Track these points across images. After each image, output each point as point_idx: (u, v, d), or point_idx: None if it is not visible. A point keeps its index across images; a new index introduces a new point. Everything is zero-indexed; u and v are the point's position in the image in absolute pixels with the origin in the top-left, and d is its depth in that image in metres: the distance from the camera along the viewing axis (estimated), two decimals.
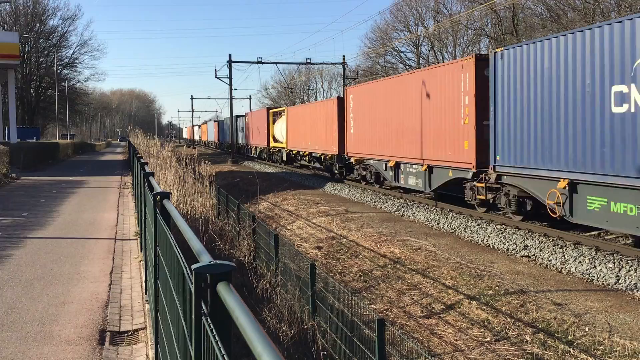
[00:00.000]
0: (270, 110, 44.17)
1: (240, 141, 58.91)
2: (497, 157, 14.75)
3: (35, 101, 75.26)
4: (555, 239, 13.05)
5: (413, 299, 9.96)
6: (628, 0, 37.75)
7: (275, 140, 41.98)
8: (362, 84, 27.36)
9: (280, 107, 57.93)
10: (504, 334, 8.15)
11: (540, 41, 13.13)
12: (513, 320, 8.55)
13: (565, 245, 12.34)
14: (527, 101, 13.70)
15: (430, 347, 7.95)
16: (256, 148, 49.76)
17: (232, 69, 49.78)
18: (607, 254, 11.42)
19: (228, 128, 64.11)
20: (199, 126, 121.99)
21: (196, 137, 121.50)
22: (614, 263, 10.85)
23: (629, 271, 10.36)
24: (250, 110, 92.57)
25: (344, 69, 53.48)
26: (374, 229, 15.66)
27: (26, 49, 70.83)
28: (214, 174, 27.41)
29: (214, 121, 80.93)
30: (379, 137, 22.65)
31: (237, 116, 60.01)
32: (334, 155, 27.93)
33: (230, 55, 49.37)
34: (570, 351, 7.45)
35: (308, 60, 53.05)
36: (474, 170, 15.76)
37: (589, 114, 11.79)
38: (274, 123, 42.53)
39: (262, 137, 46.15)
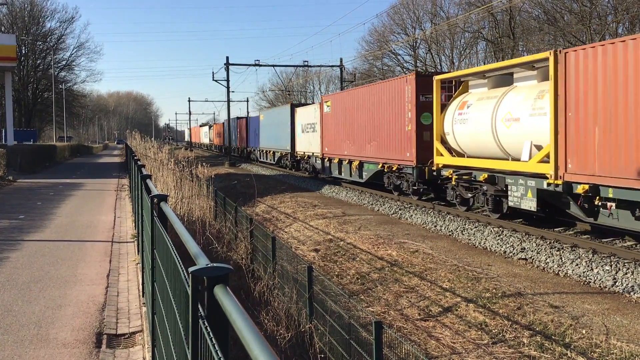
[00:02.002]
0: (437, 78, 18.50)
1: (298, 148, 34.67)
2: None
3: (32, 103, 75.18)
4: (552, 241, 13.06)
5: (410, 301, 9.95)
6: (625, 4, 37.85)
7: (458, 154, 17.82)
8: None
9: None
10: (501, 337, 8.15)
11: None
12: (510, 322, 8.55)
13: (562, 248, 12.36)
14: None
15: (428, 350, 7.95)
16: (358, 167, 24.33)
17: (229, 72, 49.75)
18: (604, 257, 11.44)
19: (268, 127, 41.85)
20: (210, 126, 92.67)
21: (205, 141, 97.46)
22: (611, 266, 10.86)
23: (626, 274, 10.37)
24: (248, 112, 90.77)
25: (342, 72, 53.50)
26: (371, 231, 15.66)
27: (23, 51, 70.80)
28: (212, 176, 27.41)
29: (238, 118, 59.60)
30: None
31: (294, 105, 36.47)
32: None
33: (227, 58, 49.36)
34: (567, 354, 7.45)
35: (305, 63, 53.01)
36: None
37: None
38: (441, 111, 18.28)
39: (393, 144, 20.80)
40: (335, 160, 27.22)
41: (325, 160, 28.89)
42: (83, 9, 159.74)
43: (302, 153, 33.61)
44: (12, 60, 40.34)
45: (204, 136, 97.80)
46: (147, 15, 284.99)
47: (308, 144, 32.28)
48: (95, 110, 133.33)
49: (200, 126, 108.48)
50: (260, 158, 45.97)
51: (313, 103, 36.29)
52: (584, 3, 41.32)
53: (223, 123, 70.07)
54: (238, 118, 59.79)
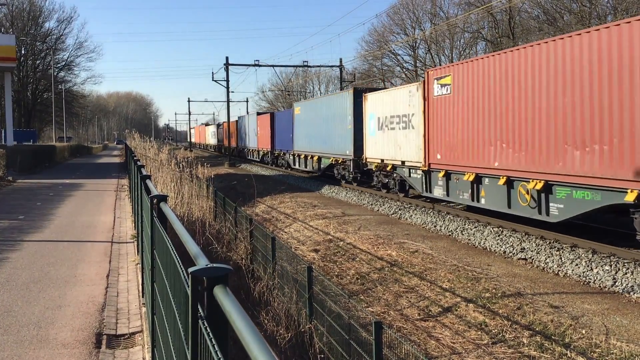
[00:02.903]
0: None
1: (369, 153, 23.46)
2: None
3: (32, 104, 75.20)
4: (552, 241, 13.06)
5: (410, 301, 9.95)
6: (624, 4, 37.90)
7: None
8: None
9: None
10: (501, 337, 8.15)
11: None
12: (510, 322, 8.55)
13: (562, 248, 12.36)
14: None
15: (428, 350, 7.95)
16: (538, 195, 13.43)
17: (229, 72, 49.75)
18: (603, 257, 11.44)
19: (310, 123, 31.19)
20: (219, 125, 74.23)
21: (211, 142, 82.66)
22: (611, 266, 10.86)
23: (626, 274, 10.37)
24: (247, 112, 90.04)
25: (341, 72, 53.51)
26: (371, 231, 15.65)
27: (22, 52, 70.81)
28: (212, 176, 27.41)
29: (259, 114, 47.70)
30: None
31: (361, 90, 25.25)
32: None
33: (227, 58, 49.35)
34: (567, 354, 7.45)
35: (305, 63, 53.04)
36: None
37: None
38: None
39: None
40: (467, 177, 16.05)
41: (438, 175, 17.73)
42: (82, 9, 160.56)
43: (379, 161, 22.28)
44: (11, 61, 40.34)
45: (211, 136, 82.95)
46: (146, 15, 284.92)
47: (393, 147, 21.05)
48: (95, 110, 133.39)
49: (206, 125, 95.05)
50: (295, 165, 34.90)
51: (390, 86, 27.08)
52: (583, 3, 41.35)
53: (237, 121, 58.33)
54: (259, 113, 47.39)
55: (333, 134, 27.44)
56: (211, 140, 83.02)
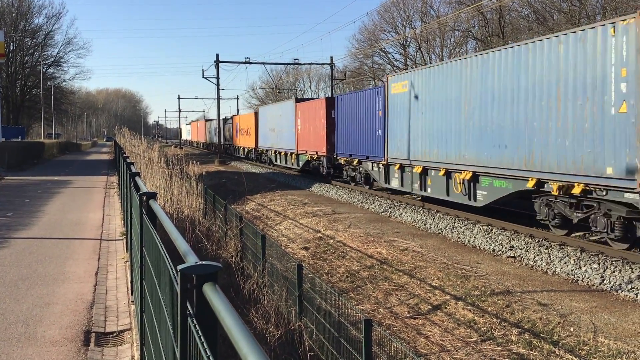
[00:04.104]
0: None
1: None
2: None
3: (21, 100, 74.65)
4: (540, 239, 13.13)
5: (400, 299, 9.97)
6: (613, 3, 38.14)
7: None
8: None
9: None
10: (490, 334, 8.18)
11: None
12: (499, 320, 8.59)
13: (551, 246, 12.42)
14: None
15: (417, 348, 7.97)
16: None
17: (219, 69, 49.58)
18: (592, 255, 11.51)
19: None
20: (226, 120, 57.89)
21: (214, 140, 65.30)
22: (599, 264, 10.94)
23: (614, 272, 10.45)
24: (238, 110, 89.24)
25: (332, 70, 53.50)
26: (361, 229, 15.67)
27: (11, 48, 70.27)
28: (202, 173, 27.32)
29: (298, 101, 33.46)
30: None
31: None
32: None
33: (217, 55, 49.18)
34: (555, 351, 7.50)
35: (296, 61, 53.02)
36: None
37: None
38: None
39: None
40: None
41: None
42: (71, 5, 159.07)
43: None
44: (0, 57, 40.07)
45: (213, 134, 66.86)
46: (136, 12, 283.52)
47: None
48: (84, 107, 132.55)
49: (207, 120, 79.20)
50: (391, 182, 21.18)
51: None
52: (572, 2, 41.55)
53: (256, 112, 45.29)
54: (297, 100, 33.82)
55: (524, 128, 13.78)
56: (214, 138, 65.51)
